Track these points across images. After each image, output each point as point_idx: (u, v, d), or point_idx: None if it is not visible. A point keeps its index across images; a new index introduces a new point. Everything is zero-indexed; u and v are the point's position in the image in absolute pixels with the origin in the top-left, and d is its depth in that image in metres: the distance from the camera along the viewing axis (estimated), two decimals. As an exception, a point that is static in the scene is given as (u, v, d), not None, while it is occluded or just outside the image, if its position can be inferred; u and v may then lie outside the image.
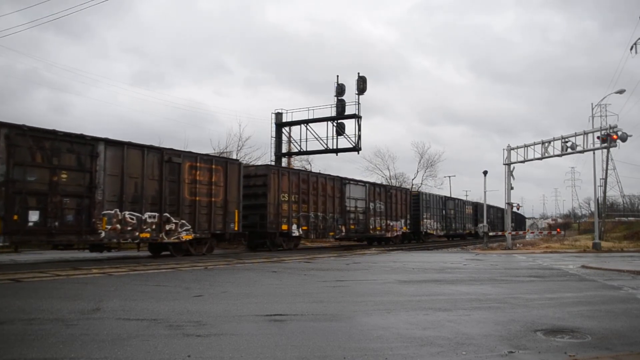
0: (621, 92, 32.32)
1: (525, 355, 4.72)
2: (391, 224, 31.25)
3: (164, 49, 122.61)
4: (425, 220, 36.77)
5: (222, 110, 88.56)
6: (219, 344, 4.99)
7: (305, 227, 23.43)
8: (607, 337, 5.57)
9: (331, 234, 25.67)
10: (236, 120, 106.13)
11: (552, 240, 36.48)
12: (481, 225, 32.41)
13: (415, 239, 36.63)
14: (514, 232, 33.62)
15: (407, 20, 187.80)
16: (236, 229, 19.22)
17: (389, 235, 31.08)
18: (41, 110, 79.19)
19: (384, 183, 48.89)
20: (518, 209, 39.56)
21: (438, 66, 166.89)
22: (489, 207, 52.42)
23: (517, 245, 31.61)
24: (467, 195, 70.96)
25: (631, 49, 36.60)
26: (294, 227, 22.66)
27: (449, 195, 54.06)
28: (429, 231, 37.66)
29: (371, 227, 29.03)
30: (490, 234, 48.03)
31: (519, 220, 71.55)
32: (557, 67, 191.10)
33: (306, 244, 29.01)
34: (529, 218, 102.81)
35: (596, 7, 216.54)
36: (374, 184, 30.58)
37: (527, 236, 47.38)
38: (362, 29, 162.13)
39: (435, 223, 38.81)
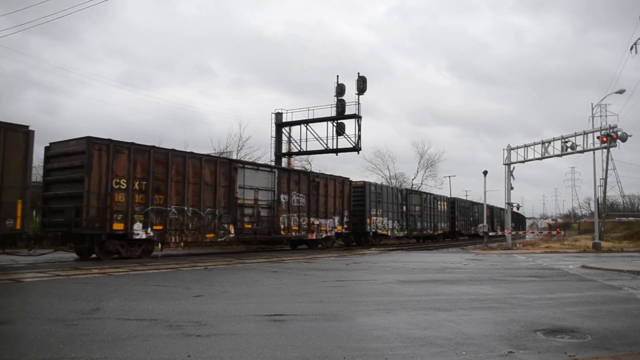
0: (621, 92, 32.34)
1: (525, 355, 4.72)
2: (317, 222, 24.29)
3: (149, 52, 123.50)
4: (374, 218, 29.78)
5: (211, 111, 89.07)
6: (219, 344, 4.99)
7: (159, 227, 16.73)
8: (607, 337, 5.57)
9: (210, 235, 18.66)
10: (226, 121, 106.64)
11: (552, 240, 36.52)
12: (481, 225, 32.41)
13: (362, 242, 30.13)
14: (514, 232, 33.61)
15: (385, 24, 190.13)
16: (18, 227, 13.19)
17: (312, 236, 24.12)
18: (33, 110, 79.40)
19: (381, 183, 48.30)
20: (518, 209, 39.38)
21: (420, 68, 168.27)
22: (473, 204, 49.76)
23: (517, 245, 31.61)
24: (467, 195, 70.88)
25: (631, 49, 36.61)
26: (138, 226, 16.01)
27: (411, 190, 53.33)
28: (380, 231, 30.47)
29: (282, 226, 22.02)
30: (463, 232, 44.96)
31: (519, 220, 71.35)
32: (536, 68, 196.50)
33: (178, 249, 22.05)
34: (529, 218, 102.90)
35: (567, 10, 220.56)
36: (288, 170, 23.49)
37: (527, 236, 47.37)
38: (343, 31, 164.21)
39: (390, 222, 31.61)
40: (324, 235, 25.12)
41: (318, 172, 25.70)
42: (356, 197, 28.70)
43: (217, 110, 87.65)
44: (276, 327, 5.88)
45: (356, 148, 29.70)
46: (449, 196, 49.23)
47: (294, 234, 23.14)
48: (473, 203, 51.37)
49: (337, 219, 26.19)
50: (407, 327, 5.95)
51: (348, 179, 28.14)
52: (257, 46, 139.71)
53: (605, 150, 42.86)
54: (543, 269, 14.97)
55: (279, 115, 31.62)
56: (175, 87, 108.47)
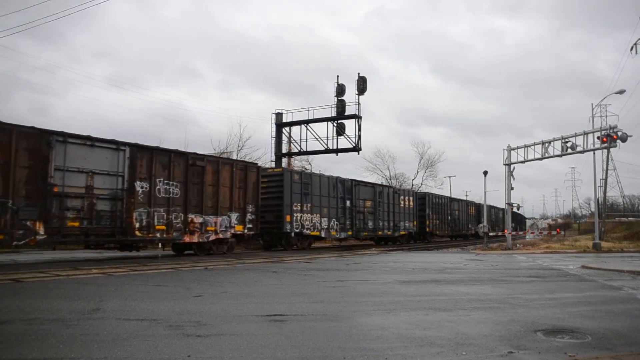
0: (621, 92, 32.35)
1: (525, 356, 4.72)
2: (200, 219, 18.18)
3: (136, 54, 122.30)
4: (298, 215, 23.59)
5: (205, 110, 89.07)
6: (219, 344, 4.99)
7: None
8: (607, 337, 5.57)
9: None
10: (219, 121, 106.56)
11: (552, 240, 36.49)
12: (481, 225, 32.40)
13: (283, 243, 23.64)
14: (514, 232, 33.59)
15: (365, 27, 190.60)
16: None
17: (192, 238, 18.01)
18: (24, 111, 79.55)
19: (384, 183, 47.79)
20: (518, 209, 38.97)
21: (404, 70, 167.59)
22: (452, 201, 45.02)
23: (517, 245, 31.63)
24: (467, 196, 70.70)
25: (631, 49, 36.66)
26: None
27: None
28: (308, 231, 24.40)
29: (138, 224, 16.07)
30: (437, 233, 39.71)
31: (520, 221, 71.20)
32: (520, 69, 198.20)
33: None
34: (529, 218, 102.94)
35: (543, 12, 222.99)
36: (150, 148, 16.89)
37: (527, 236, 47.31)
38: (325, 34, 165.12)
39: (325, 220, 25.61)
40: (211, 237, 18.76)
41: (204, 153, 19.23)
42: (272, 187, 23.14)
43: (212, 111, 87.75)
44: (276, 327, 5.87)
45: (356, 148, 29.72)
46: (420, 191, 43.96)
47: (158, 235, 16.77)
48: (452, 199, 45.25)
49: (235, 216, 19.75)
50: (407, 327, 5.95)
51: (255, 164, 22.17)
52: (242, 48, 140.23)
53: (605, 151, 42.89)
54: (543, 269, 14.97)
55: (279, 115, 31.64)
56: (164, 89, 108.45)
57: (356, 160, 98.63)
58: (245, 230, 20.45)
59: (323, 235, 25.87)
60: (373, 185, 31.27)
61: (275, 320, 6.24)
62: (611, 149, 37.98)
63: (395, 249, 28.48)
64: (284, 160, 33.46)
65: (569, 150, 25.82)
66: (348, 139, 30.00)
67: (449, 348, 4.93)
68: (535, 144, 27.47)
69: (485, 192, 32.91)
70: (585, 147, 25.32)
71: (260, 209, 21.27)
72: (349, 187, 28.14)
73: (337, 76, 31.23)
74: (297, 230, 23.73)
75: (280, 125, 31.70)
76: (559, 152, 26.37)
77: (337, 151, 30.48)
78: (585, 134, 25.20)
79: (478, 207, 49.92)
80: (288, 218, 23.20)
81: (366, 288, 10.28)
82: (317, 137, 30.66)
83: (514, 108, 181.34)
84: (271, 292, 9.14)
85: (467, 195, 71.16)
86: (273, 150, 31.64)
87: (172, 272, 12.23)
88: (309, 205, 24.53)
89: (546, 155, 26.88)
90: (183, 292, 8.71)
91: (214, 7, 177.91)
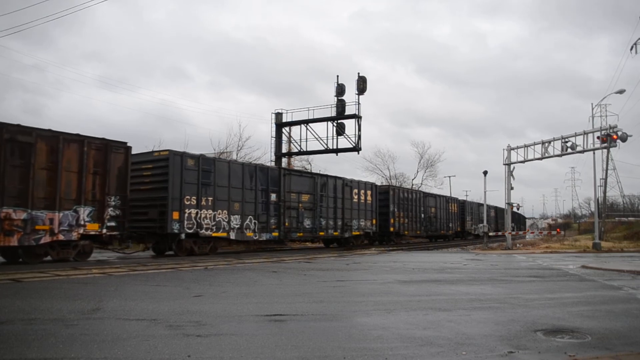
0: (621, 92, 32.34)
1: (525, 355, 4.72)
2: (22, 216, 13.48)
3: (125, 57, 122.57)
4: (192, 212, 18.41)
5: (201, 110, 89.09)
6: (219, 344, 4.99)
7: None
8: (607, 337, 5.57)
9: None
10: (212, 121, 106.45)
11: (552, 240, 36.49)
12: (481, 225, 32.40)
13: (174, 248, 18.39)
14: (513, 232, 33.59)
15: (350, 29, 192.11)
16: None
17: (7, 241, 13.18)
18: (17, 111, 79.68)
19: (384, 183, 47.30)
20: (518, 208, 38.79)
21: (391, 71, 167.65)
22: (426, 196, 39.85)
23: (517, 245, 31.64)
24: (467, 196, 70.54)
25: (631, 49, 36.67)
26: None
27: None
28: (208, 232, 19.05)
29: None
30: (406, 233, 34.75)
31: (519, 220, 71.07)
32: (505, 70, 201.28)
33: None
34: (529, 218, 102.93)
35: (522, 14, 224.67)
36: None
37: (527, 236, 47.31)
38: (311, 36, 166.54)
39: (237, 217, 20.26)
40: (44, 239, 13.99)
41: (32, 126, 14.08)
42: (157, 176, 18.16)
43: (206, 111, 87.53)
44: (276, 327, 5.88)
45: (356, 148, 29.70)
46: (383, 185, 39.12)
47: None
48: (426, 194, 38.88)
49: (87, 210, 15.02)
50: (407, 327, 5.95)
51: (124, 143, 16.37)
52: (228, 50, 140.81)
53: (605, 151, 42.89)
54: (543, 269, 14.98)
55: (278, 115, 31.64)
56: (156, 90, 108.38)
57: (357, 160, 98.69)
58: (104, 230, 15.43)
59: (233, 236, 20.19)
60: (312, 175, 25.58)
61: (275, 320, 6.25)
62: (611, 149, 37.98)
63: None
64: (284, 160, 33.45)
65: (569, 150, 25.81)
66: (348, 138, 29.99)
67: (449, 348, 4.93)
68: (535, 144, 27.47)
69: (485, 192, 32.96)
70: (585, 147, 25.31)
71: (129, 202, 16.27)
72: (276, 177, 22.55)
73: (337, 76, 31.20)
74: (190, 231, 18.33)
75: (280, 125, 31.69)
76: (559, 152, 26.36)
77: (337, 151, 30.45)
78: (585, 133, 25.19)
79: (462, 204, 45.92)
80: (176, 215, 17.83)
81: (366, 288, 10.28)
82: (317, 137, 30.66)
83: (505, 108, 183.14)
84: (271, 292, 9.14)
85: (467, 195, 70.82)
86: (273, 150, 31.64)
87: (172, 272, 12.23)
88: (210, 198, 19.13)
89: (546, 155, 26.87)
90: (183, 292, 8.71)
91: (199, 9, 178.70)
